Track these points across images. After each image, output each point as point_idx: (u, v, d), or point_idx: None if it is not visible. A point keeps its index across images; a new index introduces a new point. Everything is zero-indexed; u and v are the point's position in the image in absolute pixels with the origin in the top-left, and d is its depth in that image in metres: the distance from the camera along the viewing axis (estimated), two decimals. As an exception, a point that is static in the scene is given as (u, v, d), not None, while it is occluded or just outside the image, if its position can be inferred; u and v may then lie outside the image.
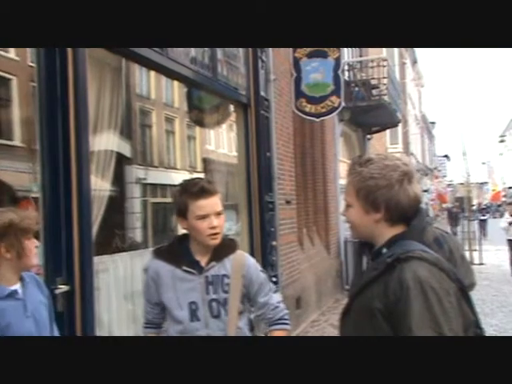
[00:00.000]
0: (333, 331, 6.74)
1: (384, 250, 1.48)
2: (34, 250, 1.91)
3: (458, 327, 1.37)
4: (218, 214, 2.12)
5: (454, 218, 20.96)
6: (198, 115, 6.02)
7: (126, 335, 3.81)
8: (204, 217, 2.08)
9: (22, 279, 1.93)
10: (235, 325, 2.12)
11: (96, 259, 3.35)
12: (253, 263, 2.25)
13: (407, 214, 1.49)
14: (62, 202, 2.89)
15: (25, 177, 4.06)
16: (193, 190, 2.09)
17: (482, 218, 23.75)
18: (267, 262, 5.71)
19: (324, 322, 7.35)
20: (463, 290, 1.45)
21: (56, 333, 2.05)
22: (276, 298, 2.28)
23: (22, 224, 1.87)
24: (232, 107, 5.95)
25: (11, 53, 6.08)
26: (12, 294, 1.87)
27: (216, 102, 5.82)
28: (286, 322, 2.27)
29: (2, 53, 6.04)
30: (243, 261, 2.20)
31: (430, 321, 1.33)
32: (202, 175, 6.47)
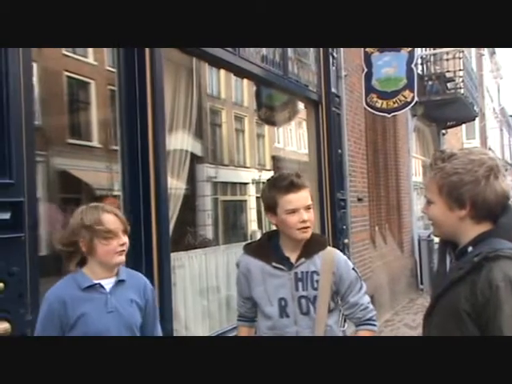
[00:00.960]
0: (407, 331, 6.57)
1: (470, 249, 1.42)
2: (118, 249, 1.94)
3: (551, 330, 1.29)
4: (308, 207, 2.11)
5: None
6: (267, 113, 6.05)
7: (201, 330, 3.90)
8: (294, 211, 2.07)
9: (117, 275, 1.99)
10: (324, 322, 2.10)
11: (172, 255, 3.46)
12: (343, 260, 2.21)
13: (494, 211, 1.42)
14: (141, 201, 3.00)
15: (103, 176, 4.24)
16: (282, 185, 2.09)
17: None
18: (339, 260, 5.64)
19: (398, 321, 7.17)
20: (556, 290, 1.36)
21: (157, 334, 2.10)
22: (367, 297, 2.24)
23: (94, 225, 1.92)
24: (302, 104, 5.93)
25: (90, 58, 6.38)
26: (95, 287, 1.93)
27: (285, 99, 5.83)
28: (374, 323, 2.22)
29: (82, 58, 6.36)
30: (333, 257, 2.17)
31: None
32: (271, 173, 6.50)
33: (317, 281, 2.12)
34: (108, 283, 1.96)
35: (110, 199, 3.52)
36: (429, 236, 9.16)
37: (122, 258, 1.98)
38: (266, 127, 6.83)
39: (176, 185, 4.01)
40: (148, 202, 3.02)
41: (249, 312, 2.27)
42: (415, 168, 10.93)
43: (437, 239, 1.70)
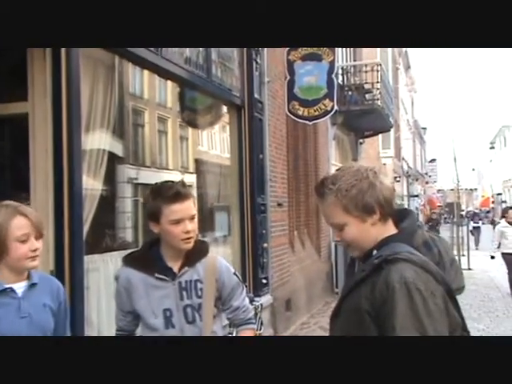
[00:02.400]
0: (322, 334, 6.75)
1: (374, 252, 1.50)
2: (29, 254, 1.83)
3: (444, 329, 1.39)
4: (192, 218, 2.08)
5: (433, 226, 19.92)
6: (190, 116, 6.03)
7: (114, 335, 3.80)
8: (178, 221, 2.03)
9: (29, 279, 1.89)
10: (210, 329, 2.09)
11: (86, 258, 3.35)
12: (225, 266, 2.21)
13: (393, 207, 1.52)
14: (52, 202, 2.89)
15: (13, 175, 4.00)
16: (167, 194, 2.03)
17: (475, 225, 21.93)
18: (258, 263, 5.72)
19: (314, 324, 7.36)
20: (450, 292, 1.46)
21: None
22: (247, 299, 2.28)
23: (9, 226, 1.81)
24: (225, 108, 5.96)
25: None
26: (6, 292, 1.83)
27: (208, 102, 5.83)
28: (254, 321, 2.30)
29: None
30: (216, 264, 2.16)
31: (414, 322, 1.35)
32: (193, 176, 6.46)
33: (201, 289, 2.10)
34: (19, 287, 1.86)
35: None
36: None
37: (35, 263, 1.87)
38: (190, 130, 6.79)
39: (93, 185, 3.89)
40: (60, 203, 2.91)
41: (128, 325, 2.20)
42: (334, 175, 11.27)
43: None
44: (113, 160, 5.16)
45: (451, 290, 1.47)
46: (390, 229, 1.52)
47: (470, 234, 17.62)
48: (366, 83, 11.19)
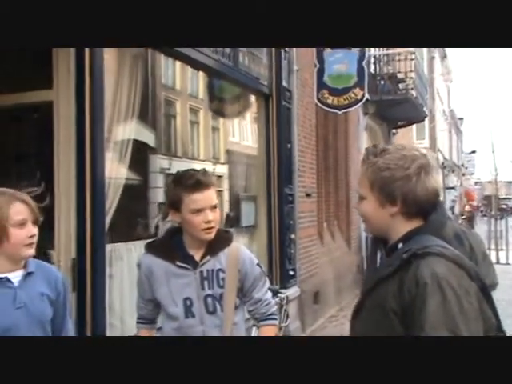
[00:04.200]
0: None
1: (400, 246, 1.39)
2: (27, 241, 1.80)
3: (478, 329, 1.27)
4: (214, 207, 2.04)
5: (469, 219, 18.80)
6: (218, 105, 5.97)
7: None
8: (199, 211, 2.00)
9: (25, 268, 1.85)
10: (231, 320, 2.05)
11: (111, 246, 3.34)
12: (248, 256, 2.16)
13: (425, 208, 1.40)
14: (75, 190, 2.88)
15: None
16: (188, 183, 2.00)
17: None
18: (285, 255, 5.64)
19: (342, 317, 7.24)
20: (484, 289, 1.35)
21: (66, 330, 1.96)
22: (269, 293, 2.22)
23: (8, 211, 1.77)
24: (253, 98, 5.87)
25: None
26: (1, 281, 1.79)
27: (236, 92, 5.75)
28: (276, 317, 2.22)
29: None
30: (238, 254, 2.12)
31: (446, 321, 1.24)
32: (225, 167, 6.43)
33: (222, 279, 2.06)
34: (15, 277, 1.82)
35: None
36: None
37: (32, 251, 1.83)
38: (221, 120, 6.77)
39: (123, 174, 3.87)
40: (83, 192, 2.89)
41: (150, 314, 2.17)
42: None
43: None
44: (145, 150, 5.16)
45: (486, 286, 1.35)
46: (416, 223, 1.41)
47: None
48: (399, 72, 10.95)
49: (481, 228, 18.83)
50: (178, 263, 2.05)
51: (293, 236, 5.85)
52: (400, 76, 10.93)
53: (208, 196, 2.01)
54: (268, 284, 2.22)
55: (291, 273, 5.76)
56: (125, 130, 3.94)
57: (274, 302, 2.22)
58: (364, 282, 1.56)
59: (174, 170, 7.06)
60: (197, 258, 2.07)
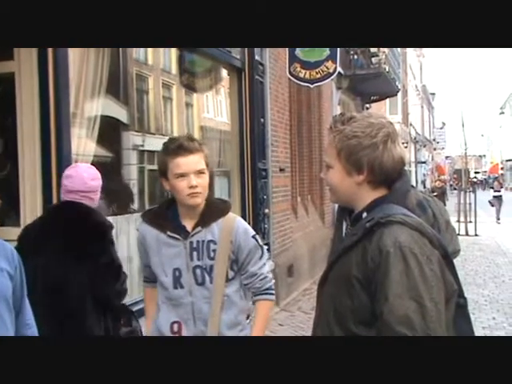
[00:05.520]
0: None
1: (364, 215, 1.40)
2: None
3: (440, 296, 1.29)
4: (199, 172, 2.01)
5: (440, 195, 18.81)
6: (189, 79, 5.87)
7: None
8: (182, 175, 1.99)
9: None
10: (221, 293, 2.04)
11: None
12: (243, 227, 2.12)
13: (391, 177, 1.40)
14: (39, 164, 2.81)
15: None
16: (171, 148, 2.01)
17: (497, 194, 17.98)
18: (259, 229, 5.66)
19: (316, 290, 7.35)
20: (447, 257, 1.36)
21: (25, 306, 1.93)
22: (267, 267, 2.19)
23: None
24: (225, 71, 5.79)
25: None
26: None
27: (208, 65, 5.66)
28: (272, 292, 2.18)
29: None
30: (232, 225, 2.08)
31: (409, 289, 1.25)
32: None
33: (213, 250, 2.04)
34: None
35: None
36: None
37: None
38: (195, 96, 6.67)
39: (97, 152, 3.80)
40: (48, 167, 2.83)
41: (152, 275, 2.19)
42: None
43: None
44: (117, 127, 5.05)
45: (448, 253, 1.37)
46: (381, 192, 1.41)
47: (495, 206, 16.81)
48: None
49: (451, 201, 19.18)
50: (169, 233, 2.05)
51: (267, 211, 5.87)
52: (373, 50, 10.91)
53: (191, 161, 1.99)
54: (266, 258, 2.18)
55: (265, 247, 5.79)
56: (93, 106, 3.85)
57: (270, 276, 2.18)
58: (330, 253, 1.56)
59: (147, 147, 6.99)
60: (188, 228, 2.06)
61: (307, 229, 8.23)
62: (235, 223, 2.11)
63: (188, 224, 2.07)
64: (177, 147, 2.00)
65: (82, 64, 3.62)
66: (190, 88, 6.33)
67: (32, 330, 1.82)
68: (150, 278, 2.22)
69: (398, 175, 1.41)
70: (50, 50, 2.89)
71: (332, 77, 6.78)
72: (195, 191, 2.00)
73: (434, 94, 46.02)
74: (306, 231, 8.14)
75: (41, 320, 1.88)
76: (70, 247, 2.31)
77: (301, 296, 7.00)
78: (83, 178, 2.46)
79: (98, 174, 2.55)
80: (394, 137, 1.39)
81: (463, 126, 17.15)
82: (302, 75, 6.49)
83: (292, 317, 6.00)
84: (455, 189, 23.13)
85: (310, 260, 8.03)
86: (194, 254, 2.04)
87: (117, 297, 2.43)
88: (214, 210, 2.09)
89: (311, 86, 6.75)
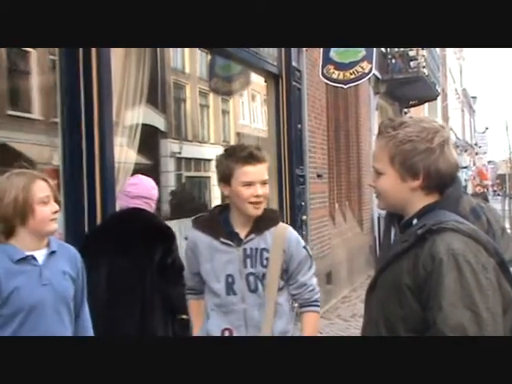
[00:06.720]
0: (363, 307, 6.63)
1: (414, 221, 1.35)
2: (51, 216, 1.86)
3: (496, 306, 1.24)
4: (264, 182, 2.04)
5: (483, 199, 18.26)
6: (225, 86, 5.91)
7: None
8: (249, 184, 1.99)
9: (48, 247, 1.89)
10: (274, 300, 2.04)
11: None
12: (295, 238, 2.13)
13: (445, 182, 1.36)
14: (84, 174, 2.87)
15: (44, 149, 4.06)
16: (240, 155, 2.01)
17: None
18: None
19: (355, 298, 7.24)
20: (503, 265, 1.31)
21: (85, 309, 2.03)
22: (315, 278, 2.18)
23: (33, 189, 1.83)
24: (262, 78, 5.80)
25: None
26: (27, 259, 1.84)
27: (245, 72, 5.69)
28: (319, 304, 2.18)
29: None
30: (285, 235, 2.09)
31: (464, 298, 1.20)
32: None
33: (266, 258, 2.04)
34: (40, 255, 1.87)
35: (48, 171, 3.36)
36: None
37: (55, 225, 1.90)
38: (231, 103, 6.71)
39: (135, 159, 3.86)
40: (92, 176, 2.89)
41: (197, 285, 2.20)
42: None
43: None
44: (155, 134, 5.13)
45: (504, 261, 1.31)
46: (433, 198, 1.37)
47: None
48: (411, 50, 10.75)
49: (495, 207, 18.64)
50: (222, 239, 2.05)
51: (304, 217, 5.83)
52: (411, 54, 10.75)
53: (259, 170, 2.01)
54: (314, 269, 2.17)
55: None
56: (133, 114, 3.92)
57: (318, 289, 2.17)
58: (378, 260, 1.52)
59: (184, 154, 7.07)
60: (242, 235, 2.06)
61: (345, 235, 8.14)
62: (288, 233, 2.12)
63: (241, 231, 2.07)
64: (247, 155, 2.00)
65: (124, 73, 3.69)
66: (225, 95, 6.39)
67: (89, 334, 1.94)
68: (196, 289, 2.22)
69: (452, 180, 1.37)
70: (93, 61, 2.94)
71: (367, 77, 6.61)
72: (259, 200, 2.02)
73: (475, 97, 44.97)
74: (344, 238, 8.05)
75: (115, 321, 2.01)
76: (147, 250, 2.47)
77: (340, 303, 6.92)
78: (147, 185, 2.67)
79: (156, 185, 2.76)
80: (449, 141, 1.36)
81: (507, 129, 16.66)
82: (335, 76, 6.34)
83: (331, 324, 5.93)
84: (499, 194, 22.47)
85: (349, 267, 7.93)
86: (248, 261, 2.04)
87: (178, 298, 2.47)
88: (267, 219, 2.08)
89: (345, 87, 6.60)
